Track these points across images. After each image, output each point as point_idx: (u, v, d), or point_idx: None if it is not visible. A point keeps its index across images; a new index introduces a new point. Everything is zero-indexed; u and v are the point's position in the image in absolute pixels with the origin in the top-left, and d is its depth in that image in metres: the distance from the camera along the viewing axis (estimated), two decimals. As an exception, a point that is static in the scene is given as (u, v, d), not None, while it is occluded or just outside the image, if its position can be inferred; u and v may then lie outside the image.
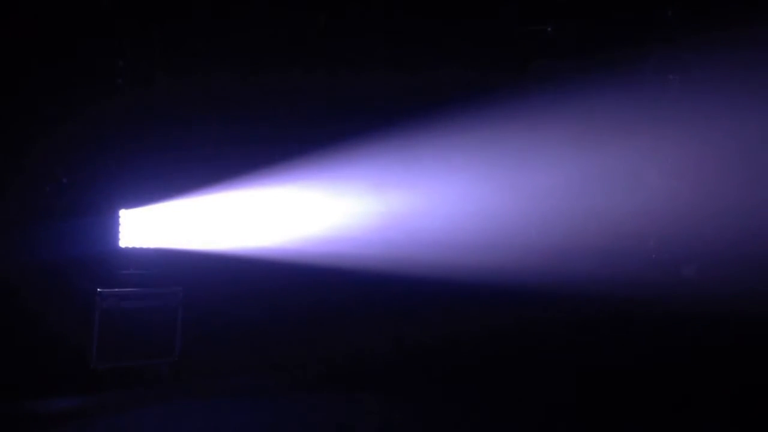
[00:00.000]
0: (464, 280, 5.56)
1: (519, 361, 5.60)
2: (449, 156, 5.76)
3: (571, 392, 5.06)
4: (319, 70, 5.47)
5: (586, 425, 4.58)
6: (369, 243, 5.64)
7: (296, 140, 5.61)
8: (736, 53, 4.67)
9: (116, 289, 5.18)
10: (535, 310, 5.94)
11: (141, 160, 5.35)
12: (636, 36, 4.89)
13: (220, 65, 5.31)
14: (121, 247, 5.32)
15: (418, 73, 5.48)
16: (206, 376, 5.37)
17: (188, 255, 5.49)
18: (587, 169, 5.46)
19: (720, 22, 4.52)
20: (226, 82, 5.39)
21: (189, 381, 5.29)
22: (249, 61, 5.37)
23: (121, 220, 5.32)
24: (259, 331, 5.58)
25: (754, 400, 4.66)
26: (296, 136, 5.67)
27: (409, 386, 5.33)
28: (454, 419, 4.71)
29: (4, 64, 4.82)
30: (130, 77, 5.26)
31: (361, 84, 5.45)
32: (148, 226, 5.40)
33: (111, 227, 5.29)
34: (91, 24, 4.97)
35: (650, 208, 5.33)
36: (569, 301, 5.70)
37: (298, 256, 5.54)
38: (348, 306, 5.85)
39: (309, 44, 5.22)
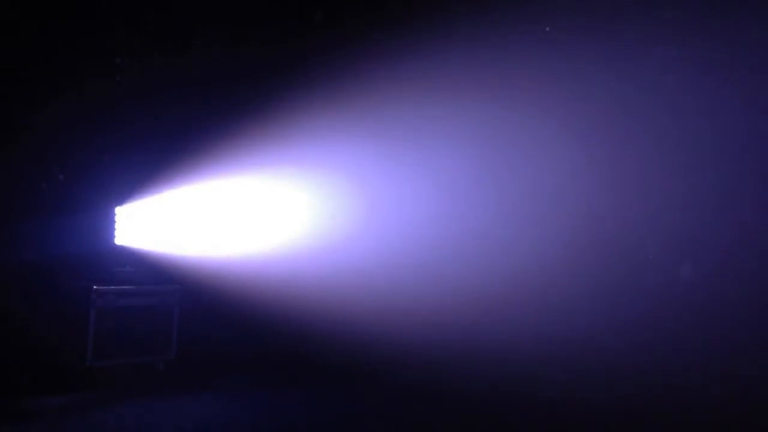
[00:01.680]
0: (461, 280, 5.55)
1: (517, 361, 5.60)
2: (444, 157, 5.73)
3: (569, 393, 5.07)
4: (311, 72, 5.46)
5: (585, 426, 4.60)
6: (365, 241, 5.64)
7: (298, 141, 5.59)
8: (734, 52, 4.65)
9: (112, 287, 5.18)
10: (533, 310, 5.95)
11: (139, 157, 5.34)
12: (636, 35, 4.86)
13: (221, 66, 5.30)
14: (117, 245, 5.33)
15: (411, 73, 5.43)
16: (203, 374, 5.40)
17: (185, 253, 5.50)
18: (585, 171, 5.44)
19: (719, 20, 4.51)
20: (228, 84, 5.39)
21: (185, 379, 5.31)
22: (249, 63, 5.36)
23: (117, 217, 5.33)
24: (255, 328, 5.59)
25: (753, 401, 4.67)
26: (296, 137, 5.65)
27: (407, 386, 5.35)
28: (451, 419, 4.73)
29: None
30: (129, 75, 5.24)
31: (353, 84, 5.42)
32: (145, 224, 5.41)
33: (107, 224, 5.30)
34: (90, 22, 4.95)
35: (649, 208, 5.31)
36: (566, 301, 5.70)
37: (296, 255, 5.54)
38: (346, 304, 5.85)
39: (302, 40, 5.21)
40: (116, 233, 5.32)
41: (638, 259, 5.27)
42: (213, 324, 5.49)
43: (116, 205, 5.32)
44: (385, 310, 5.59)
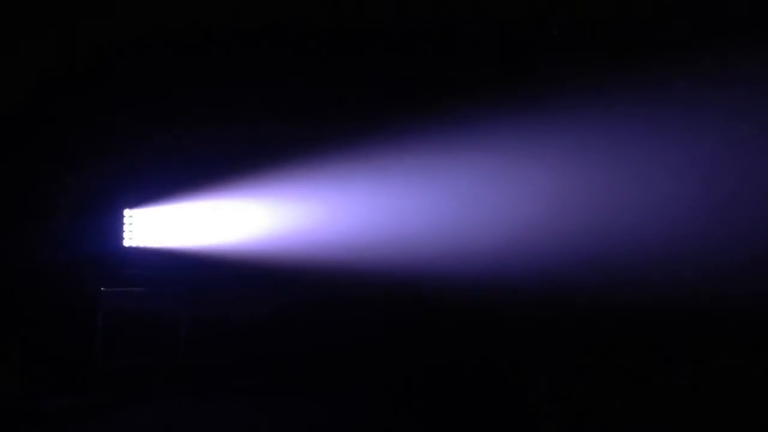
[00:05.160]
0: (461, 279, 5.57)
1: (516, 363, 5.61)
2: (451, 160, 5.78)
3: (569, 394, 5.08)
4: (319, 76, 5.49)
5: (585, 425, 4.60)
6: (369, 245, 5.66)
7: (300, 142, 5.63)
8: (737, 55, 4.73)
9: (120, 289, 5.20)
10: (534, 311, 5.96)
11: (147, 160, 5.36)
12: (640, 37, 4.95)
13: (226, 68, 5.33)
14: (125, 247, 5.35)
15: (415, 74, 5.49)
16: (210, 376, 5.38)
17: (194, 255, 5.51)
18: (589, 172, 5.50)
19: (722, 24, 4.60)
20: (233, 86, 5.41)
21: (192, 381, 5.29)
22: (251, 65, 5.39)
23: (126, 220, 5.36)
24: (263, 332, 5.59)
25: (753, 402, 4.69)
26: (300, 138, 5.68)
27: (409, 386, 5.35)
28: (447, 419, 4.72)
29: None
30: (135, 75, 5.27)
31: (359, 86, 5.46)
32: (154, 226, 5.43)
33: (116, 227, 5.33)
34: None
35: (651, 209, 5.36)
36: (568, 302, 5.72)
37: (303, 259, 5.56)
38: (352, 307, 5.86)
39: (309, 45, 5.24)
40: (125, 235, 5.33)
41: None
42: (221, 327, 5.48)
43: (126, 207, 5.34)
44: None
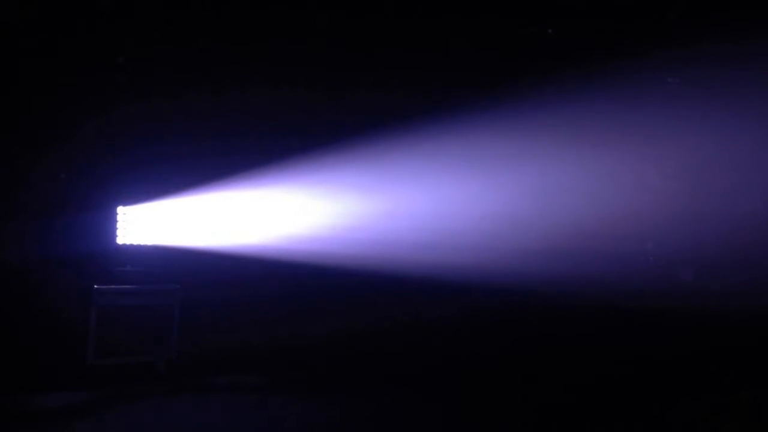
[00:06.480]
0: (462, 282, 5.56)
1: (516, 365, 5.60)
2: (448, 158, 5.76)
3: (567, 395, 5.07)
4: (314, 76, 5.47)
5: (584, 428, 4.59)
6: (363, 242, 5.65)
7: (293, 141, 5.62)
8: (735, 55, 4.66)
9: (113, 286, 5.21)
10: (532, 312, 5.95)
11: (140, 157, 5.36)
12: (637, 37, 4.88)
13: (220, 64, 5.31)
14: (118, 244, 5.36)
15: (412, 74, 5.45)
16: (203, 373, 5.40)
17: (186, 252, 5.52)
18: (586, 172, 5.46)
19: (720, 23, 4.53)
20: (227, 82, 5.40)
21: (185, 378, 5.30)
22: (247, 61, 5.36)
23: (118, 217, 5.37)
24: (255, 328, 5.60)
25: (752, 402, 4.66)
26: (293, 137, 5.67)
27: (410, 386, 5.34)
28: (445, 418, 4.72)
29: (2, 61, 4.83)
30: (131, 74, 5.26)
31: (354, 87, 5.44)
32: (146, 224, 5.43)
33: (109, 224, 5.34)
34: (92, 21, 4.97)
35: (648, 211, 5.32)
36: (567, 303, 5.70)
37: (295, 255, 5.56)
38: (345, 304, 5.86)
39: (307, 47, 5.21)
40: (118, 233, 5.35)
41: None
42: (214, 323, 5.50)
43: (118, 205, 5.35)
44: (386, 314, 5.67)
